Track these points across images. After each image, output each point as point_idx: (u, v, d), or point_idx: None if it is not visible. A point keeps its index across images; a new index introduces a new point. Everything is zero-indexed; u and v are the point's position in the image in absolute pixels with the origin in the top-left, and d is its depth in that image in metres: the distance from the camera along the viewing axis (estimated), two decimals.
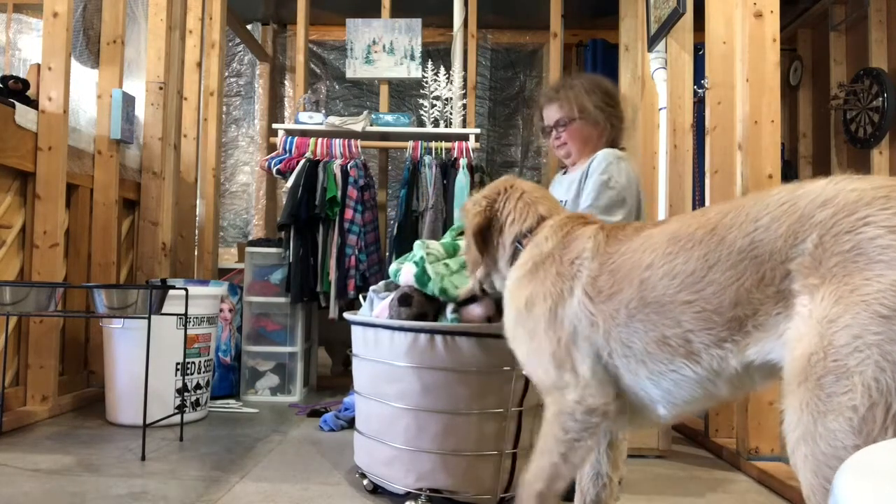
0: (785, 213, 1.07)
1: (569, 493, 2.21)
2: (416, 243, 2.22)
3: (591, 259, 1.36)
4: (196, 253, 4.57)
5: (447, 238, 2.30)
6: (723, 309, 1.12)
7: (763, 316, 1.08)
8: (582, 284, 1.35)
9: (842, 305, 0.95)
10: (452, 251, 2.20)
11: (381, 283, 2.37)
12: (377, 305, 2.26)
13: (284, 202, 4.07)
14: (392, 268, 2.26)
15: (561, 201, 2.27)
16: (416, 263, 2.11)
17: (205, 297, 3.31)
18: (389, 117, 4.36)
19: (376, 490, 2.21)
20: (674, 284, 1.18)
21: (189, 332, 3.13)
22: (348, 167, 4.05)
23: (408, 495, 2.06)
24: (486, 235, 1.60)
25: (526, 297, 1.44)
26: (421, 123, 4.45)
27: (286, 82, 6.48)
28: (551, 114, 2.34)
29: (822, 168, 6.11)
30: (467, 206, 1.67)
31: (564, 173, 2.45)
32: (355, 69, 4.69)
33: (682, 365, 1.19)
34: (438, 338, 2.02)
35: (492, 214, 1.59)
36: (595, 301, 1.31)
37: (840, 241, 0.99)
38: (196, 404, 3.25)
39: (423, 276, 2.06)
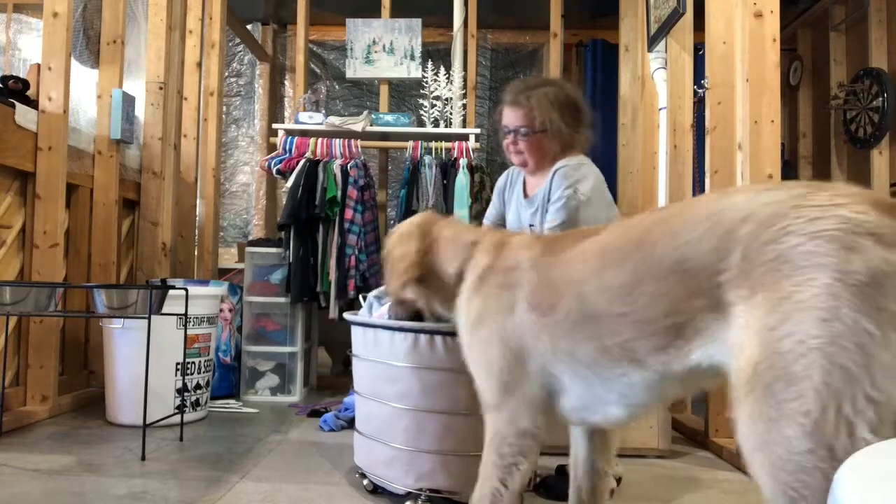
0: (711, 229, 1.11)
1: (563, 494, 2.22)
2: None
3: (529, 269, 1.42)
4: (196, 253, 4.57)
5: None
6: (658, 318, 1.16)
7: (701, 322, 1.12)
8: (524, 296, 1.40)
9: (779, 313, 0.97)
10: None
11: (383, 287, 2.37)
12: (377, 310, 2.26)
13: (284, 202, 4.08)
14: None
15: (528, 223, 2.29)
16: None
17: (205, 297, 3.31)
18: (389, 117, 4.36)
19: (376, 490, 2.21)
20: (607, 298, 1.23)
21: (189, 332, 3.13)
22: (348, 167, 4.05)
23: (407, 495, 2.06)
24: (420, 282, 1.73)
25: (475, 310, 1.51)
26: (421, 123, 4.45)
27: (286, 82, 6.48)
28: (514, 119, 2.25)
29: (822, 168, 6.11)
30: (394, 256, 1.74)
31: (526, 197, 2.36)
32: (355, 69, 4.69)
33: (629, 370, 1.23)
34: (438, 338, 2.02)
35: (425, 266, 1.69)
36: (537, 314, 1.36)
37: (764, 252, 1.02)
38: (196, 404, 3.25)
39: None
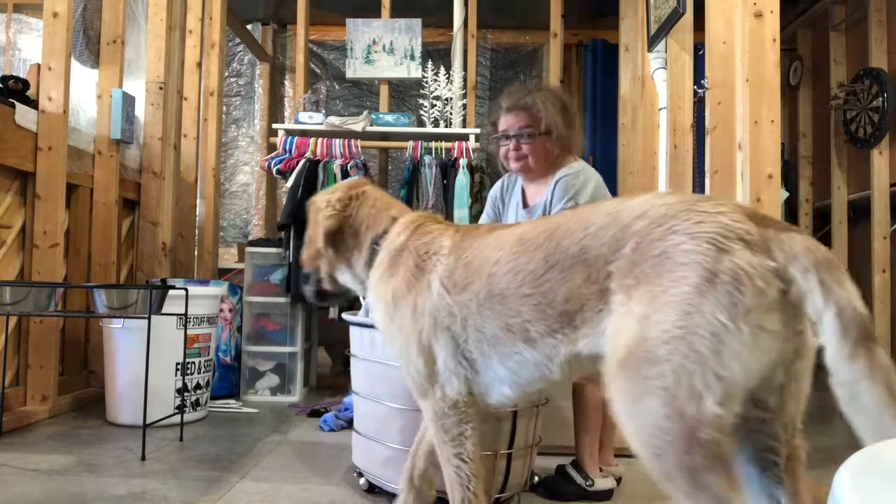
0: (610, 224, 1.24)
1: (563, 494, 2.22)
2: None
3: (448, 254, 1.50)
4: (196, 253, 4.57)
5: None
6: (556, 303, 1.28)
7: (588, 312, 1.24)
8: (440, 277, 1.48)
9: (655, 304, 1.11)
10: None
11: None
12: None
13: (284, 202, 4.08)
14: None
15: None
16: None
17: (205, 297, 3.31)
18: (389, 117, 4.36)
19: (373, 490, 2.22)
20: (517, 280, 1.34)
21: (189, 332, 3.13)
22: (348, 167, 4.05)
23: None
24: (335, 237, 1.69)
25: (391, 291, 1.54)
26: (421, 123, 4.45)
27: (286, 82, 6.48)
28: (516, 122, 2.25)
29: (822, 168, 6.11)
30: (318, 204, 1.71)
31: (525, 207, 2.36)
32: (355, 69, 4.69)
33: (522, 349, 1.36)
34: None
35: (344, 219, 1.68)
36: (452, 293, 1.45)
37: (652, 247, 1.14)
38: (196, 404, 3.25)
39: None
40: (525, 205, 2.37)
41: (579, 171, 2.23)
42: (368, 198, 1.70)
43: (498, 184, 2.52)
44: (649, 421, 1.09)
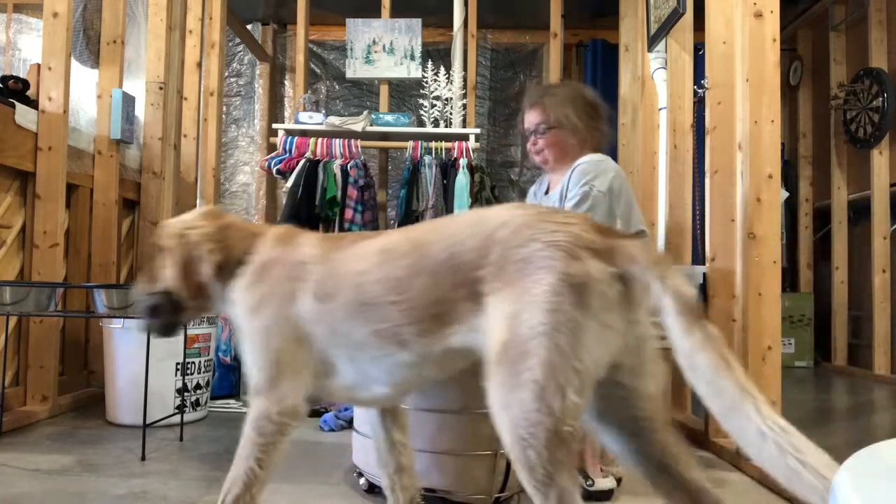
0: (475, 233, 1.35)
1: None
2: None
3: (316, 264, 1.54)
4: None
5: None
6: (425, 306, 1.38)
7: (459, 312, 1.35)
8: (307, 286, 1.52)
9: (520, 304, 1.24)
10: None
11: None
12: None
13: (284, 202, 4.08)
14: None
15: None
16: None
17: None
18: (389, 117, 4.36)
19: (373, 490, 2.21)
20: (383, 289, 1.43)
21: (189, 332, 3.13)
22: (348, 167, 4.05)
23: None
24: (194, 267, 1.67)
25: (257, 298, 1.56)
26: (421, 123, 4.45)
27: (286, 82, 6.48)
28: (532, 118, 2.37)
29: (822, 168, 6.11)
30: (191, 238, 1.65)
31: (546, 193, 2.46)
32: (355, 69, 4.69)
33: (395, 351, 1.43)
34: None
35: (224, 249, 1.66)
36: (322, 302, 1.50)
37: (515, 254, 1.28)
38: (196, 404, 3.25)
39: None
40: (547, 192, 2.45)
41: (599, 160, 2.26)
42: (234, 224, 1.73)
43: (535, 183, 2.64)
44: (522, 412, 1.20)
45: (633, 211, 2.27)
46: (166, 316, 1.69)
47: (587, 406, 1.26)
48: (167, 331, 1.73)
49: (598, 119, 2.36)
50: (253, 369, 1.57)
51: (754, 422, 1.07)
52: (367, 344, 1.46)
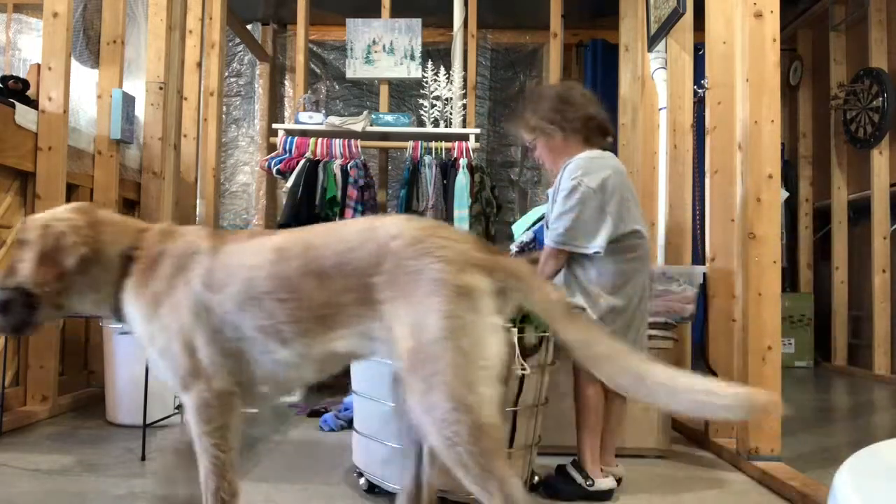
0: (368, 241, 1.43)
1: (563, 494, 2.22)
2: None
3: (208, 255, 1.55)
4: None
5: None
6: (312, 308, 1.44)
7: (348, 317, 1.43)
8: (199, 276, 1.53)
9: (420, 313, 1.34)
10: None
11: None
12: None
13: (284, 202, 4.07)
14: None
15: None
16: None
17: None
18: (389, 117, 4.36)
19: (373, 490, 2.21)
20: (272, 285, 1.47)
21: None
22: (348, 167, 4.05)
23: None
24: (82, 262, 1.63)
25: (152, 293, 1.56)
26: (421, 123, 4.45)
27: (286, 82, 6.48)
28: (522, 137, 2.47)
29: (822, 168, 6.11)
30: (56, 229, 1.59)
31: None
32: (355, 69, 4.69)
33: (276, 348, 1.48)
34: None
35: (94, 243, 1.61)
36: (212, 292, 1.51)
37: (409, 265, 1.37)
38: None
39: None
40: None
41: (594, 157, 2.25)
42: (110, 219, 1.69)
43: None
44: (441, 414, 1.30)
45: (629, 210, 2.23)
46: (17, 314, 1.59)
47: (500, 396, 1.36)
48: (17, 329, 1.62)
49: (570, 108, 2.31)
50: (168, 372, 1.56)
51: (650, 375, 1.31)
52: (254, 339, 1.49)
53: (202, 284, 1.52)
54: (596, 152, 2.29)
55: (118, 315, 1.63)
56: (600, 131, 2.35)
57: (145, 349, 1.61)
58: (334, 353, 1.46)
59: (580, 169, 2.20)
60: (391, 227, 1.44)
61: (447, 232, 1.45)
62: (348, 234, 1.48)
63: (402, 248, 1.39)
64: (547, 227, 2.30)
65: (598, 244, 2.16)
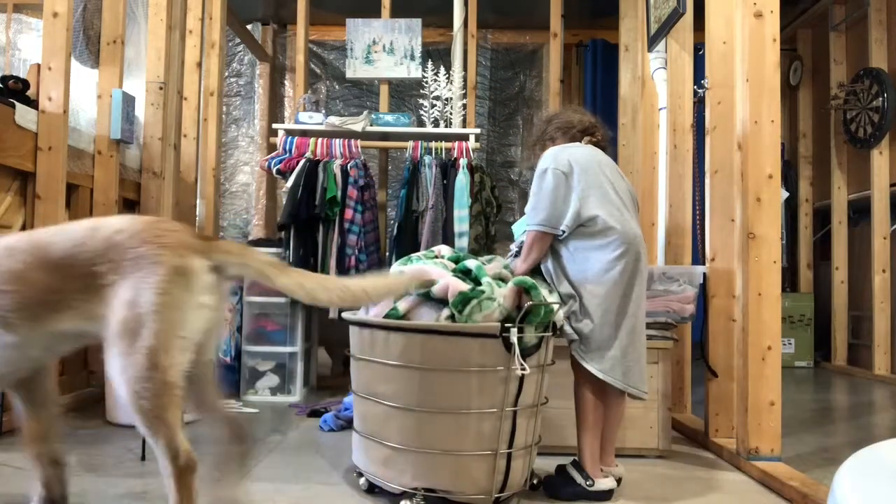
0: (92, 237, 1.66)
1: (563, 494, 2.22)
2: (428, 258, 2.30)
3: None
4: None
5: (426, 259, 2.32)
6: (37, 296, 1.65)
7: (73, 300, 1.64)
8: None
9: (136, 290, 1.58)
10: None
11: None
12: (372, 311, 2.26)
13: (284, 202, 4.07)
14: (395, 269, 2.26)
15: None
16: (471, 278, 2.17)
17: None
18: (389, 117, 4.36)
19: (372, 490, 2.22)
20: (2, 278, 1.67)
21: None
22: (348, 167, 4.05)
23: (403, 494, 2.07)
24: None
25: None
26: (421, 123, 4.45)
27: (286, 82, 6.48)
28: (530, 162, 2.59)
29: (822, 168, 6.11)
30: None
31: None
32: (355, 69, 4.69)
33: (2, 333, 1.68)
34: (433, 338, 2.03)
35: None
36: None
37: (131, 253, 1.61)
38: None
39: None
40: None
41: (563, 148, 2.35)
42: None
43: None
44: (137, 373, 1.56)
45: (591, 197, 2.24)
46: None
47: (188, 363, 1.63)
48: None
49: (553, 121, 2.50)
50: None
51: (351, 287, 1.73)
52: None
53: None
54: (572, 144, 2.39)
55: None
56: (583, 133, 2.45)
57: None
58: (62, 332, 1.68)
59: (549, 156, 2.30)
60: (115, 223, 1.68)
61: (166, 224, 1.71)
62: (76, 231, 1.69)
63: (125, 240, 1.63)
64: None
65: (564, 223, 2.23)
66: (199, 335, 1.65)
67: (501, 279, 2.20)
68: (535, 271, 2.33)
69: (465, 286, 2.07)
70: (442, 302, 2.10)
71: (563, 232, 2.22)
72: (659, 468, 2.65)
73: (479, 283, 2.11)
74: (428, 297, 2.13)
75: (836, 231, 5.75)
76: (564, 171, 2.24)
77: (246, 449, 1.89)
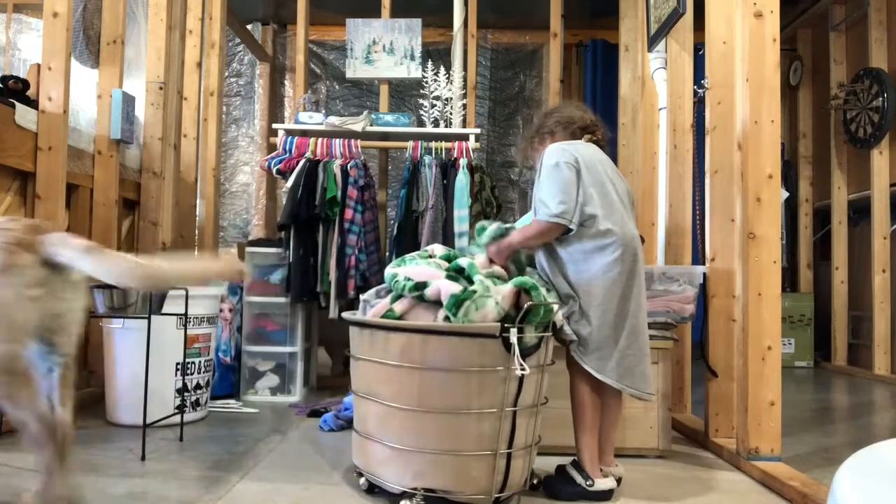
0: None
1: (563, 494, 2.22)
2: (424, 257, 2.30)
3: None
4: (196, 253, 4.57)
5: (422, 259, 2.32)
6: None
7: None
8: None
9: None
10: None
11: (372, 290, 2.37)
12: (369, 312, 2.26)
13: (284, 202, 4.07)
14: (388, 272, 2.25)
15: None
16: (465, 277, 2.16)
17: (205, 297, 3.31)
18: (389, 117, 4.36)
19: (372, 490, 2.22)
20: None
21: (189, 332, 3.13)
22: (348, 167, 4.05)
23: (403, 495, 2.06)
24: None
25: None
26: (421, 123, 4.45)
27: (286, 82, 6.49)
28: (526, 157, 2.62)
29: (822, 168, 6.11)
30: None
31: None
32: (355, 69, 4.69)
33: None
34: (433, 338, 2.02)
35: None
36: None
37: None
38: (196, 404, 3.25)
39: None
40: None
41: (567, 145, 2.33)
42: None
43: None
44: None
45: (594, 195, 2.24)
46: None
47: (20, 351, 1.72)
48: None
49: (553, 115, 2.49)
50: None
51: (163, 268, 1.81)
52: None
53: None
54: (574, 141, 2.38)
55: None
56: (583, 130, 2.43)
57: None
58: None
59: (557, 150, 2.28)
60: None
61: (3, 220, 1.81)
62: None
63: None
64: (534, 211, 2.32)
65: (576, 219, 2.21)
66: (33, 325, 1.74)
67: (496, 276, 2.20)
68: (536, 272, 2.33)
69: (456, 287, 2.07)
70: (437, 304, 2.10)
71: (571, 230, 2.20)
72: (659, 468, 2.65)
73: (472, 282, 2.11)
74: (422, 299, 2.14)
75: (836, 231, 5.75)
76: (576, 167, 2.23)
77: (63, 447, 1.97)
